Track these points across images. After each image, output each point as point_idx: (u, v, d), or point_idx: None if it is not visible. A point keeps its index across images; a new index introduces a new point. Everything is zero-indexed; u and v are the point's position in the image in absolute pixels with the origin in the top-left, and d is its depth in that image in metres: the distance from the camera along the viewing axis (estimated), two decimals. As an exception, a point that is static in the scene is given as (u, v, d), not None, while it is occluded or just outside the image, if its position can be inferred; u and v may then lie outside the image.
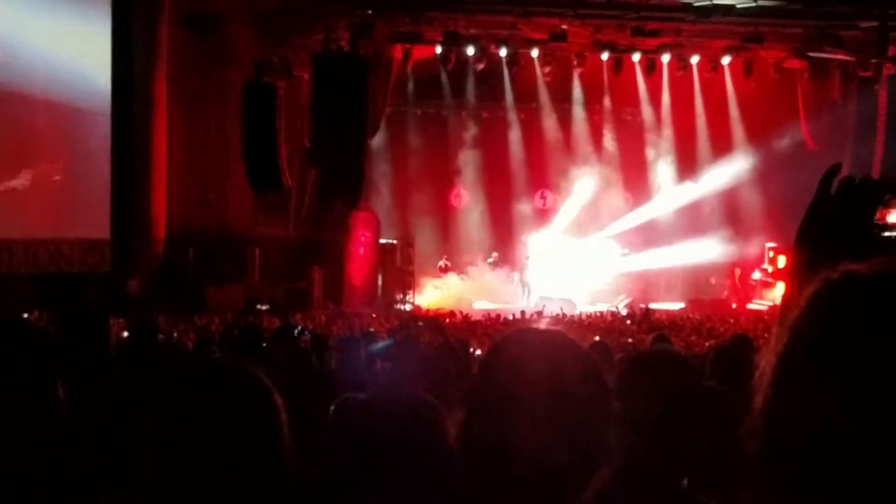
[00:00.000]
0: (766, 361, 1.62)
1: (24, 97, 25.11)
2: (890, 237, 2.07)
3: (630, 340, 17.48)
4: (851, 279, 1.57)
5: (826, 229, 2.00)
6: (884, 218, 2.04)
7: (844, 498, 1.47)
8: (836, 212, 2.00)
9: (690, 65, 29.86)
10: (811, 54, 28.95)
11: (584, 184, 32.05)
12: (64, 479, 2.96)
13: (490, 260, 31.20)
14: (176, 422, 2.41)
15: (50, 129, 25.67)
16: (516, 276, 31.12)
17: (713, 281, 31.96)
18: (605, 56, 29.39)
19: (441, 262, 31.18)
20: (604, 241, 31.82)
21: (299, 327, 13.69)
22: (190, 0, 26.99)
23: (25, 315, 16.78)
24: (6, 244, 25.41)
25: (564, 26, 27.81)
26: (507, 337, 2.64)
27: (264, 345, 9.95)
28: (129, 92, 26.42)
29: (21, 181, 25.64)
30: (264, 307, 16.29)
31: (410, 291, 29.68)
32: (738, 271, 31.12)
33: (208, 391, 2.46)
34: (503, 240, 32.02)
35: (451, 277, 30.76)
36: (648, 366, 3.49)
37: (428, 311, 27.62)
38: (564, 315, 25.69)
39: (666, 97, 31.69)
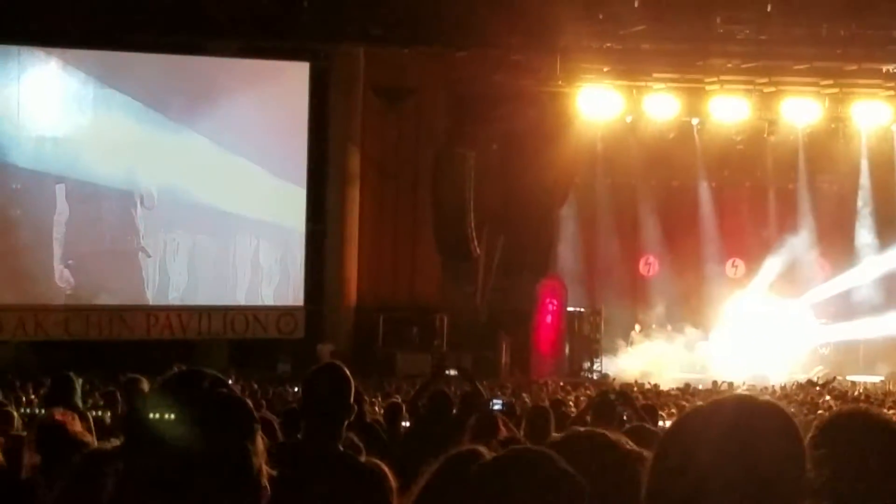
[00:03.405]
0: None
1: (235, 162, 26.08)
2: None
3: (825, 413, 16.99)
4: None
5: None
6: None
7: None
8: None
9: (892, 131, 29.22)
10: None
11: (779, 252, 31.44)
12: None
13: (669, 328, 30.79)
14: None
15: (250, 195, 26.57)
16: (706, 345, 30.62)
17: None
18: (799, 124, 28.97)
19: (632, 331, 30.88)
20: (800, 310, 31.06)
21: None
22: (384, 71, 27.60)
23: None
24: (206, 311, 26.32)
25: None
26: (706, 406, 2.52)
27: (454, 411, 9.99)
28: (323, 161, 27.15)
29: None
30: (453, 373, 16.39)
31: (598, 360, 29.48)
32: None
33: None
34: (694, 309, 31.57)
35: (641, 346, 30.42)
36: (849, 426, 3.15)
37: (615, 380, 27.38)
38: (754, 386, 25.15)
39: (864, 163, 30.94)
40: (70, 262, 25.32)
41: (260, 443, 2.57)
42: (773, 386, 25.96)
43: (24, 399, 17.67)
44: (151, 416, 2.55)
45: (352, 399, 4.88)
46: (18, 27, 24.49)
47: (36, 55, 25.34)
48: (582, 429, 3.41)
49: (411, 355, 25.98)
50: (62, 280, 25.35)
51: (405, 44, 26.18)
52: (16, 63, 25.22)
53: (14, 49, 25.17)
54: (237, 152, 26.28)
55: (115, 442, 3.40)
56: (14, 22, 24.28)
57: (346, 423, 4.88)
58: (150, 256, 26.13)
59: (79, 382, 8.56)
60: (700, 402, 2.61)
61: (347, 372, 4.86)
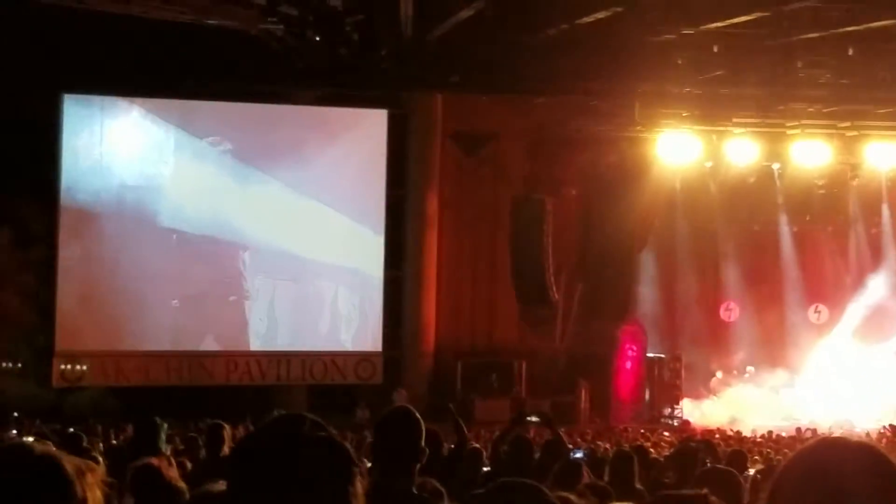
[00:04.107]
0: None
1: (314, 208, 26.30)
2: None
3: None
4: None
5: None
6: None
7: None
8: None
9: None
10: None
11: (863, 297, 31.03)
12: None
13: (747, 374, 30.46)
14: None
15: (330, 241, 26.75)
16: (789, 391, 30.25)
17: None
18: (882, 168, 28.64)
19: (713, 377, 30.58)
20: (885, 354, 30.59)
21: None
22: (462, 118, 27.74)
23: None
24: (285, 356, 26.49)
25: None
26: (808, 448, 2.45)
27: (535, 457, 9.93)
28: (402, 207, 27.30)
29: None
30: (534, 419, 16.32)
31: (678, 406, 29.22)
32: None
33: None
34: (776, 354, 31.18)
35: (722, 392, 30.12)
36: None
37: (696, 426, 27.16)
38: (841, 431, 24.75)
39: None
40: (155, 308, 25.59)
41: (359, 486, 2.58)
42: (859, 432, 25.57)
43: (105, 444, 17.85)
44: (256, 459, 2.57)
45: (422, 442, 4.90)
46: (101, 78, 24.93)
47: (118, 105, 25.76)
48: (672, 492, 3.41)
49: (490, 401, 25.97)
50: (145, 326, 25.62)
51: (484, 91, 26.33)
52: (98, 112, 25.65)
53: (97, 99, 25.59)
54: (316, 198, 26.53)
55: (220, 486, 3.41)
56: (97, 73, 24.71)
57: (417, 465, 4.90)
58: (231, 301, 26.36)
59: (164, 428, 8.60)
60: (800, 447, 2.55)
61: (418, 416, 4.90)
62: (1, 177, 25.20)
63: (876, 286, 30.98)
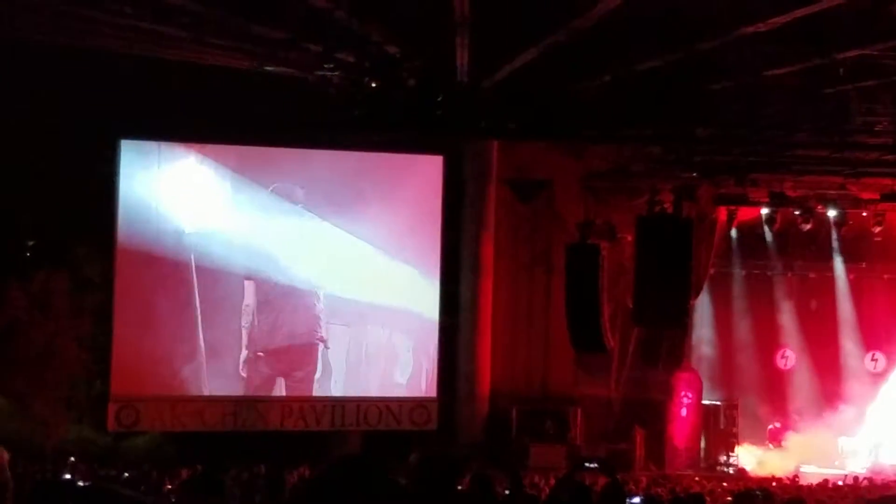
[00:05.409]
0: None
1: (370, 252, 26.40)
2: None
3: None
4: None
5: None
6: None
7: None
8: None
9: None
10: None
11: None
12: None
13: (807, 422, 30.18)
14: None
15: (384, 285, 26.81)
16: (846, 440, 29.94)
17: None
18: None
19: (769, 425, 30.33)
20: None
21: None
22: (517, 163, 27.81)
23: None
24: (339, 402, 26.51)
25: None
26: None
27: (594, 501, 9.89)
28: (457, 252, 27.34)
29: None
30: (592, 465, 16.33)
31: (734, 454, 29.03)
32: None
33: None
34: (832, 403, 30.89)
35: (778, 440, 29.90)
36: None
37: (752, 474, 27.06)
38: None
39: None
40: (202, 353, 25.71)
41: None
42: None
43: (160, 490, 17.95)
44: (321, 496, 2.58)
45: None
46: (158, 123, 25.19)
47: (175, 150, 25.97)
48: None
49: (545, 447, 25.99)
50: (199, 371, 25.73)
51: (539, 137, 26.38)
52: (156, 158, 25.85)
53: (154, 144, 25.83)
54: (372, 243, 26.60)
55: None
56: (154, 118, 24.98)
57: None
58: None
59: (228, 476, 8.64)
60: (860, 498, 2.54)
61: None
62: (60, 222, 25.52)
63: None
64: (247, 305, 25.97)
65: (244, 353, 25.89)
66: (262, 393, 26.10)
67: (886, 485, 23.85)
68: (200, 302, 25.60)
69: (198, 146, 26.05)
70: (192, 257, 25.70)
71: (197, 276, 25.67)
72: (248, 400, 25.92)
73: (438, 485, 5.59)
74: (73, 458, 23.36)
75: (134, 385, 25.38)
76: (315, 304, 26.42)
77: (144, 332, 25.45)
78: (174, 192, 25.82)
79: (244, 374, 25.92)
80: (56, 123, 24.12)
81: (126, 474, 21.26)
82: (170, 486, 18.42)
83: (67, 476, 20.27)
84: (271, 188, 26.13)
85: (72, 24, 22.63)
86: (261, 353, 25.98)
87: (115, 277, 25.45)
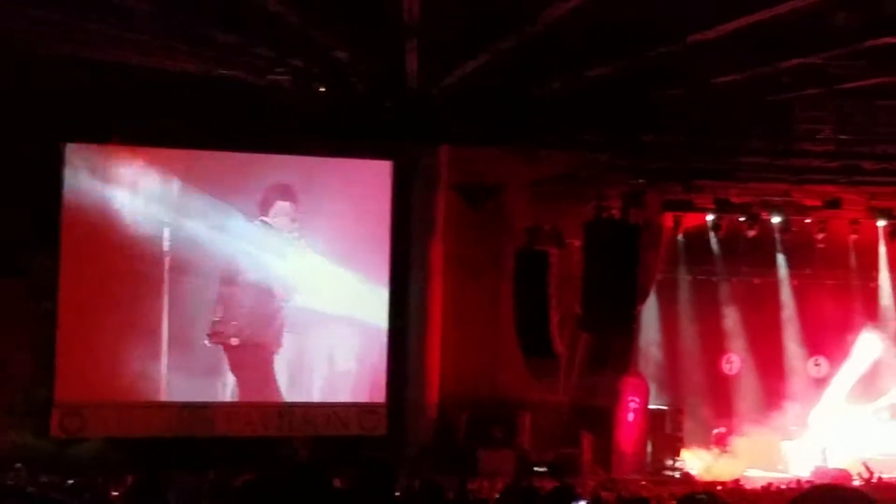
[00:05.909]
0: None
1: (316, 259, 26.33)
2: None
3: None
4: None
5: None
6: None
7: None
8: None
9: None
10: None
11: (861, 351, 31.09)
12: None
13: (751, 426, 30.41)
14: None
15: (331, 292, 26.73)
16: (789, 444, 30.22)
17: None
18: (881, 223, 28.84)
19: (715, 430, 30.54)
20: (885, 410, 30.62)
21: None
22: (466, 169, 27.83)
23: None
24: (287, 408, 26.43)
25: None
26: (805, 494, 2.54)
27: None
28: (405, 258, 27.31)
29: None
30: (541, 469, 16.40)
31: (680, 458, 29.21)
32: None
33: None
34: (777, 407, 31.17)
35: (722, 445, 30.10)
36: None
37: (698, 478, 27.23)
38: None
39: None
40: (154, 358, 25.54)
41: None
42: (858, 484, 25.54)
43: (106, 497, 17.77)
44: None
45: None
46: (103, 127, 24.97)
47: (121, 154, 25.70)
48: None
49: (493, 452, 25.96)
50: (148, 375, 25.55)
51: (488, 142, 26.42)
52: (101, 162, 25.60)
53: (99, 148, 25.59)
54: (317, 249, 26.51)
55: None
56: (98, 122, 24.75)
57: None
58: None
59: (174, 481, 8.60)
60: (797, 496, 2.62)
61: None
62: (5, 228, 25.20)
63: (873, 339, 31.08)
64: (196, 310, 25.86)
65: (194, 356, 25.76)
66: (208, 398, 25.95)
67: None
68: (149, 306, 25.45)
69: (145, 150, 25.85)
70: (141, 262, 25.52)
71: (146, 281, 25.51)
72: (195, 405, 25.77)
73: (377, 490, 5.64)
74: (18, 465, 23.12)
75: (79, 391, 25.17)
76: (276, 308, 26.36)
77: (90, 336, 25.24)
78: (120, 196, 25.61)
79: (192, 379, 25.76)
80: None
81: (70, 481, 21.03)
82: (115, 493, 18.24)
83: (10, 483, 20.05)
84: (214, 192, 25.92)
85: (14, 26, 22.41)
86: (211, 353, 25.88)
87: (60, 282, 25.20)
